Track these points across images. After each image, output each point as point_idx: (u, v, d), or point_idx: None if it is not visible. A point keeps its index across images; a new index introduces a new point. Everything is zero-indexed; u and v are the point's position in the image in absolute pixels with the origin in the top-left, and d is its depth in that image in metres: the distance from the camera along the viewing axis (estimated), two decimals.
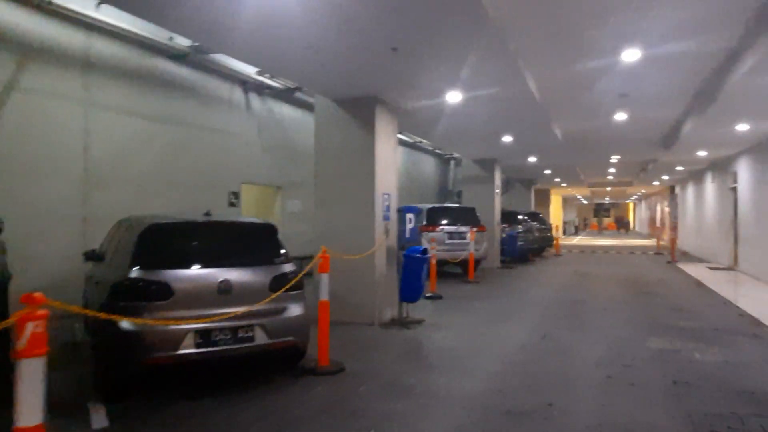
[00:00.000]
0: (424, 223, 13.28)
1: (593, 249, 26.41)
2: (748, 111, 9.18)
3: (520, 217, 18.88)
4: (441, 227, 13.37)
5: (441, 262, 12.82)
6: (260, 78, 10.59)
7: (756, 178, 13.32)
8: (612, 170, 22.46)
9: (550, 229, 23.14)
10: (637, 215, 54.84)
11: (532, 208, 24.79)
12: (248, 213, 10.90)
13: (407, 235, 8.52)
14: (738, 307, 9.23)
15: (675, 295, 11.13)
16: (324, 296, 5.51)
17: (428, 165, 21.32)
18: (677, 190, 27.00)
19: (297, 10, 4.72)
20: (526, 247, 18.20)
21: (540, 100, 8.57)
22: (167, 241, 4.78)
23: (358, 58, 6.13)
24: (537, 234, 20.03)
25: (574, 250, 25.71)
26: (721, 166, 16.85)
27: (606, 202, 56.65)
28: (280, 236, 5.42)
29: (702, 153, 14.96)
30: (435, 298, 10.10)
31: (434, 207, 14.27)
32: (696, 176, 21.36)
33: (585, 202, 54.38)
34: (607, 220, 59.70)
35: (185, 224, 5.09)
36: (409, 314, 8.10)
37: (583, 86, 8.44)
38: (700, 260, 18.51)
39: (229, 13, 4.75)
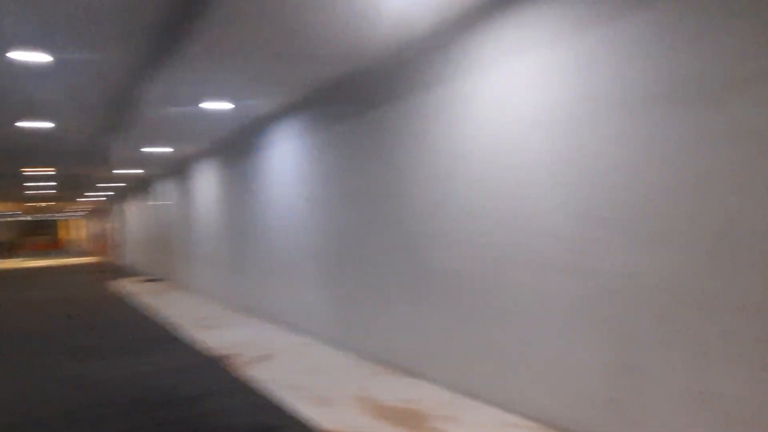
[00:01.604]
0: None
1: (29, 272, 23.53)
2: (156, 137, 9.98)
3: None
4: None
5: None
6: None
7: (174, 196, 14.91)
8: (41, 184, 20.25)
9: None
10: (87, 231, 52.64)
11: None
12: None
13: None
14: (162, 316, 9.87)
15: (108, 312, 10.99)
16: None
17: None
18: (121, 206, 27.25)
19: None
20: None
21: None
22: None
23: None
24: None
25: (5, 274, 22.17)
26: (149, 185, 18.05)
27: (52, 218, 52.08)
28: None
29: (135, 171, 15.48)
30: None
31: None
32: (134, 193, 22.09)
33: (29, 218, 48.70)
34: (46, 239, 54.55)
35: None
36: None
37: None
38: (142, 273, 19.19)
39: None
